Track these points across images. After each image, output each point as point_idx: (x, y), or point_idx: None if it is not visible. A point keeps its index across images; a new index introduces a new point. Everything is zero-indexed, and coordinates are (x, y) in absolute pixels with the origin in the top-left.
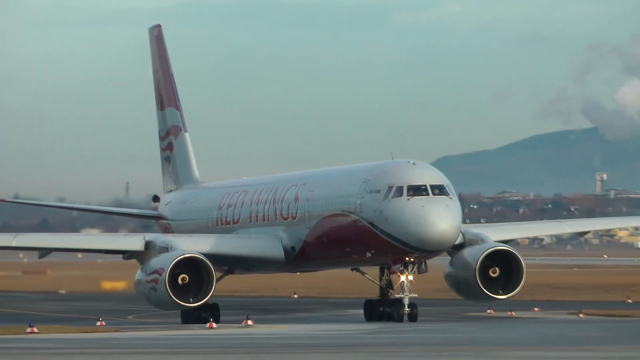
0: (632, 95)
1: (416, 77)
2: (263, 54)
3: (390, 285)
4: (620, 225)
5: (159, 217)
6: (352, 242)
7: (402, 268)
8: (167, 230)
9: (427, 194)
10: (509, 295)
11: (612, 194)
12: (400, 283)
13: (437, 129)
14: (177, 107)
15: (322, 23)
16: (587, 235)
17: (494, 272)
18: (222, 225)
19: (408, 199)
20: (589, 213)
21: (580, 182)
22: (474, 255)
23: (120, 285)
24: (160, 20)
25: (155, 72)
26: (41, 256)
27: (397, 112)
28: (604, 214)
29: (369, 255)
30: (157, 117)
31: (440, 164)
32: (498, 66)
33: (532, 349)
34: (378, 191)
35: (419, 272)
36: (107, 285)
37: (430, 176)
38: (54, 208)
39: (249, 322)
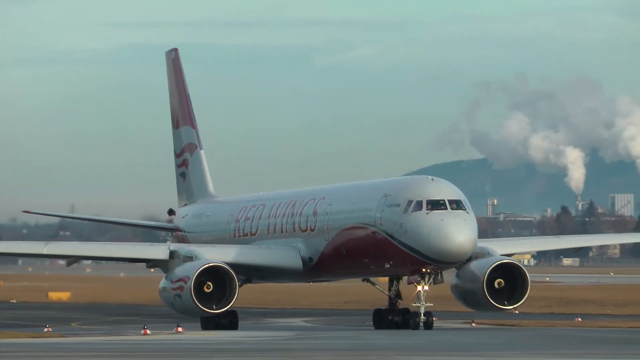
0: (516, 127)
1: (332, 112)
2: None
3: (399, 295)
4: (614, 242)
5: (175, 229)
6: (371, 253)
7: (419, 279)
8: (183, 241)
9: (446, 209)
10: (515, 305)
11: (501, 217)
12: (417, 293)
13: (348, 158)
14: (193, 125)
15: (256, 63)
16: None
17: (499, 284)
18: (240, 237)
19: (427, 213)
20: (482, 234)
21: (473, 207)
22: (481, 267)
23: (65, 295)
24: (176, 43)
25: (171, 93)
26: (69, 264)
27: (314, 141)
28: (495, 235)
29: (387, 266)
30: (172, 135)
31: None
32: (401, 103)
33: (424, 354)
34: (398, 205)
35: (435, 282)
36: (54, 295)
37: (448, 191)
38: (72, 219)
39: (179, 329)
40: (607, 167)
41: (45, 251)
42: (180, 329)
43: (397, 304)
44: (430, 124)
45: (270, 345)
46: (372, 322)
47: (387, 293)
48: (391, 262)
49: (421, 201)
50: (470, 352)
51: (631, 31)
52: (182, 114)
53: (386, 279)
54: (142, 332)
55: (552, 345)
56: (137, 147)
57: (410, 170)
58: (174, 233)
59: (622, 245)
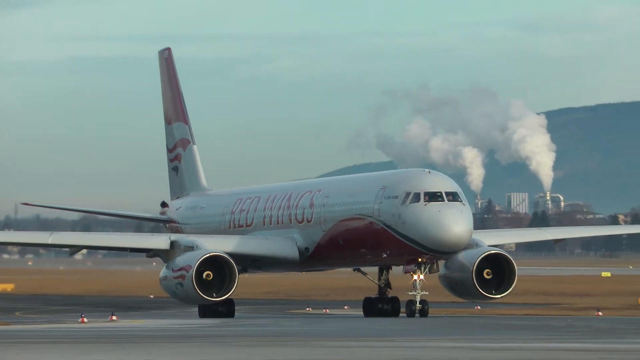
0: (418, 131)
1: (254, 119)
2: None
3: (388, 284)
4: (596, 233)
5: (168, 221)
6: (368, 243)
7: (415, 268)
8: (177, 232)
9: (443, 200)
10: (503, 294)
11: None
12: (413, 282)
13: (270, 161)
14: (186, 121)
15: (186, 74)
16: None
17: (488, 274)
18: (235, 228)
19: (425, 205)
20: None
21: None
22: (470, 258)
23: (9, 287)
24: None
25: (164, 90)
26: (71, 254)
27: (240, 145)
28: None
29: (385, 255)
30: (165, 131)
31: None
32: (317, 110)
33: (345, 339)
34: (396, 197)
35: (430, 272)
36: None
37: (445, 184)
38: (69, 211)
39: (114, 317)
40: (503, 168)
41: (50, 241)
42: (114, 317)
43: (387, 292)
44: (343, 130)
45: (197, 332)
46: (362, 310)
47: (377, 282)
48: (388, 252)
49: (419, 193)
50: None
51: (525, 43)
52: (175, 111)
53: (376, 268)
54: (80, 320)
55: (452, 332)
56: (112, 149)
57: (326, 172)
58: (168, 225)
59: None
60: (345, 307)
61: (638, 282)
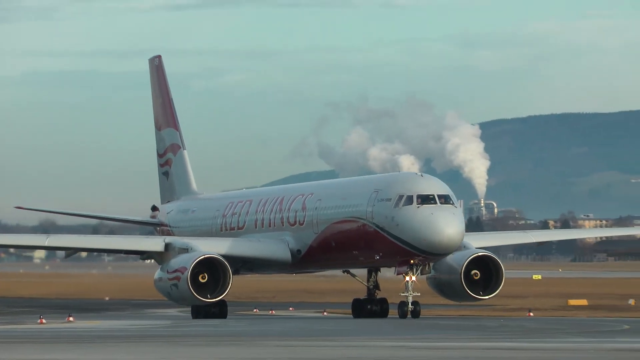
0: (356, 141)
1: (207, 129)
2: None
3: (377, 286)
4: (578, 236)
5: (159, 224)
6: (361, 245)
7: (407, 270)
8: (169, 235)
9: (435, 203)
10: (491, 295)
11: None
12: (405, 283)
13: (220, 168)
14: (176, 127)
15: (142, 88)
16: None
17: (476, 275)
18: (226, 230)
19: (418, 207)
20: None
21: None
22: (459, 260)
23: None
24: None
25: (154, 97)
26: (67, 256)
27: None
28: None
29: (377, 257)
30: (155, 137)
31: None
32: (264, 121)
33: (287, 339)
34: (389, 199)
35: (422, 273)
36: None
37: (437, 187)
38: (61, 214)
39: (71, 318)
40: (439, 176)
41: (47, 243)
42: (71, 319)
43: (375, 294)
44: (288, 140)
45: (150, 332)
46: (351, 311)
47: (366, 284)
48: (381, 254)
49: (412, 196)
50: (319, 337)
51: (460, 58)
52: (165, 117)
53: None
54: (39, 321)
55: (393, 332)
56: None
57: (271, 181)
58: (159, 228)
59: None
60: (290, 308)
61: (567, 284)
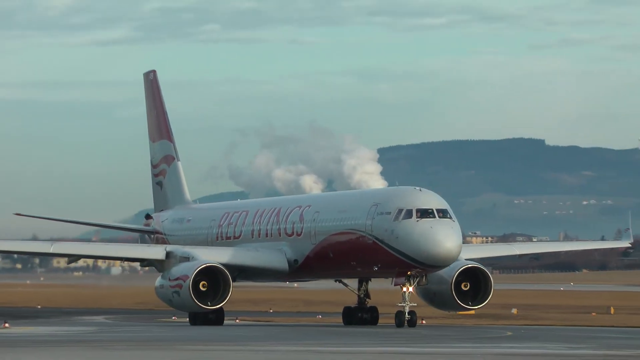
0: (263, 163)
1: (128, 156)
2: None
3: (367, 295)
4: (564, 249)
5: (154, 232)
6: (359, 257)
7: (405, 281)
8: (164, 243)
9: (434, 217)
10: (480, 306)
11: None
12: (402, 293)
13: (142, 189)
14: (170, 139)
15: (69, 116)
16: None
17: (465, 286)
18: (222, 240)
19: (417, 221)
20: None
21: None
22: (449, 271)
23: None
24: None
25: (149, 110)
26: (70, 262)
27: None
28: None
29: (376, 268)
30: (149, 148)
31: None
32: (185, 146)
33: (209, 344)
34: (389, 213)
35: (419, 285)
36: None
37: (436, 201)
38: (56, 221)
39: (6, 324)
40: None
41: (52, 250)
42: (7, 325)
43: (366, 302)
44: (201, 163)
45: (77, 337)
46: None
47: (357, 293)
48: (379, 265)
49: (411, 209)
50: (232, 343)
51: (360, 90)
52: (159, 129)
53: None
54: None
55: (298, 337)
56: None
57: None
58: (153, 236)
59: None
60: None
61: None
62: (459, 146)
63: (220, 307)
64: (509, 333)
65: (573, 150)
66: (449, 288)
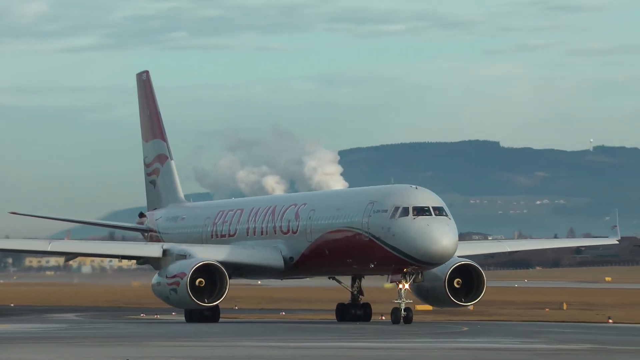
0: (227, 165)
1: (98, 159)
2: None
3: (360, 292)
4: (554, 245)
5: (148, 230)
6: (355, 254)
7: (401, 278)
8: (158, 241)
9: (430, 215)
10: (473, 302)
11: None
12: (398, 290)
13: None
14: (164, 138)
15: (41, 120)
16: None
17: (458, 283)
18: (217, 237)
19: (414, 218)
20: None
21: None
22: (442, 268)
23: None
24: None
25: (142, 110)
26: (67, 260)
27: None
28: None
29: (372, 266)
30: (142, 147)
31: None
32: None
33: (169, 340)
34: (385, 211)
35: (415, 282)
36: None
37: (432, 199)
38: (52, 220)
39: None
40: None
41: (49, 248)
42: None
43: (359, 299)
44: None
45: (50, 333)
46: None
47: (350, 289)
48: (375, 263)
49: (407, 207)
50: (197, 339)
51: (322, 94)
52: (152, 129)
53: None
54: None
55: (261, 333)
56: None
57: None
58: (147, 234)
59: None
60: (173, 313)
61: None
62: (417, 148)
63: (216, 305)
64: (465, 328)
65: (527, 152)
66: (442, 285)
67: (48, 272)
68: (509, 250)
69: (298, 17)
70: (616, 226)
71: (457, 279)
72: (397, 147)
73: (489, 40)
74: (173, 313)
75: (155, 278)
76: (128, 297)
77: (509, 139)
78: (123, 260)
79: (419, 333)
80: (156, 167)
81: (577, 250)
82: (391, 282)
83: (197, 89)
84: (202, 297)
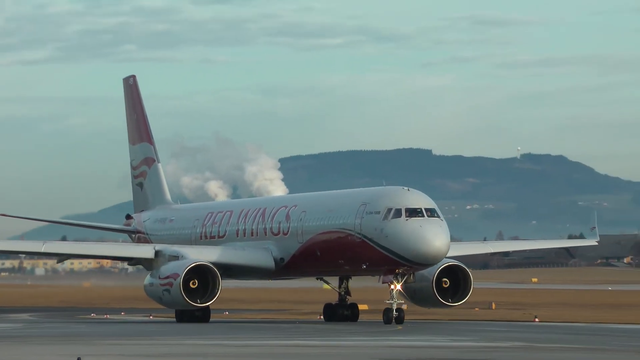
0: (172, 172)
1: (53, 168)
2: None
3: (348, 292)
4: (536, 247)
5: (135, 232)
6: (347, 255)
7: (393, 278)
8: (146, 242)
9: (423, 216)
10: (460, 302)
11: None
12: (390, 291)
13: (64, 195)
14: (151, 142)
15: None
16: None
17: (445, 283)
18: (206, 239)
19: (407, 220)
20: None
21: None
22: (430, 268)
23: None
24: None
25: (129, 114)
26: (59, 261)
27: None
28: None
29: (364, 267)
30: (129, 151)
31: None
32: (99, 157)
33: (123, 339)
34: (378, 212)
35: (406, 282)
36: None
37: (424, 201)
38: (39, 221)
39: None
40: None
41: (43, 249)
42: None
43: (347, 299)
44: (118, 172)
45: (4, 333)
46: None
47: (338, 290)
48: (368, 264)
49: (400, 209)
50: (145, 337)
51: (264, 104)
52: (139, 132)
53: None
54: None
55: (204, 332)
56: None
57: (104, 207)
58: (135, 235)
59: None
60: (122, 313)
61: (355, 292)
62: (354, 156)
63: (206, 305)
64: (399, 327)
65: (457, 159)
66: (430, 285)
67: (3, 274)
68: (492, 250)
69: (241, 31)
70: (595, 227)
71: (445, 279)
72: (334, 155)
73: (422, 53)
74: (122, 313)
75: (147, 279)
76: (79, 298)
77: (441, 147)
78: (75, 262)
79: (353, 332)
80: (143, 170)
81: (505, 252)
82: (383, 282)
83: (145, 99)
84: (194, 298)
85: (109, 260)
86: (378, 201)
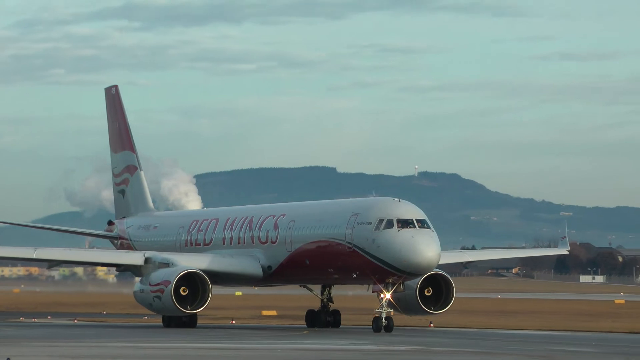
0: (92, 186)
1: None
2: None
3: (330, 299)
4: (513, 255)
5: (118, 238)
6: (338, 265)
7: (383, 288)
8: (129, 249)
9: (414, 227)
10: (443, 310)
11: None
12: (380, 299)
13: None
14: (133, 150)
15: None
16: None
17: (428, 292)
18: (192, 246)
19: (398, 230)
20: None
21: None
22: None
23: None
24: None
25: (111, 123)
26: (50, 267)
27: None
28: None
29: (354, 276)
30: (110, 159)
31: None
32: (29, 172)
33: (50, 341)
34: (369, 223)
35: (396, 291)
36: None
37: (415, 212)
38: (22, 226)
39: None
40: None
41: (35, 256)
42: None
43: (329, 306)
44: (43, 186)
45: None
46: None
47: (320, 297)
48: (358, 273)
49: (392, 220)
50: (72, 340)
51: (183, 125)
52: (121, 141)
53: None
54: None
55: (132, 335)
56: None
57: (33, 218)
58: (118, 241)
59: None
60: (48, 317)
61: (261, 299)
62: (264, 173)
63: (195, 312)
64: (306, 332)
65: (360, 176)
66: (413, 293)
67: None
68: (470, 260)
69: (164, 56)
70: (565, 237)
71: (428, 288)
72: (246, 171)
73: (329, 78)
74: (49, 317)
75: (137, 285)
76: (9, 303)
77: (345, 165)
78: (5, 270)
79: (263, 335)
80: (125, 177)
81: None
82: (373, 292)
83: (71, 119)
84: (185, 305)
85: (36, 268)
86: (369, 212)
